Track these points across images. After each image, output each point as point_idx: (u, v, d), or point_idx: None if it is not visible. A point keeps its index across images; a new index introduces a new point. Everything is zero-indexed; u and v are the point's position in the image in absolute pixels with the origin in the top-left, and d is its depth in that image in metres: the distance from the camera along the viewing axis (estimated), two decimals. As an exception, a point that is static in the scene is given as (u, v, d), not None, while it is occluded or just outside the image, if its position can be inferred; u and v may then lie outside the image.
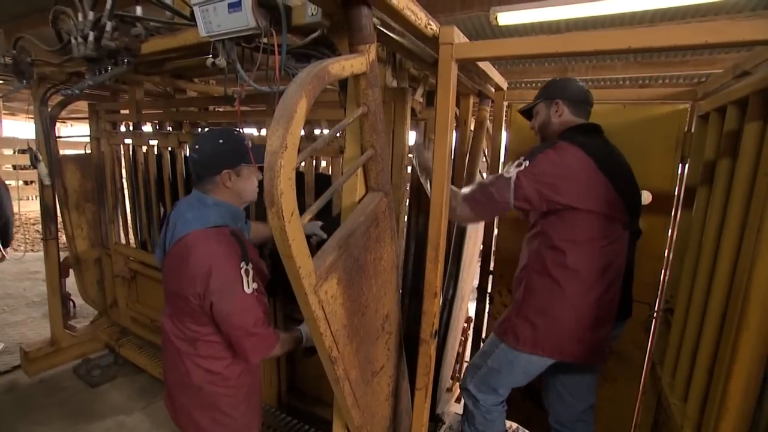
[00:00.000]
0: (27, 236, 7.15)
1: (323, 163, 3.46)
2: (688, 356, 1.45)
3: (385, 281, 1.32)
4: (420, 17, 1.18)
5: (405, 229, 1.86)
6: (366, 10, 1.05)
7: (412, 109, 1.62)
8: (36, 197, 7.35)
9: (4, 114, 10.84)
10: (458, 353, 2.68)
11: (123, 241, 3.04)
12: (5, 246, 2.93)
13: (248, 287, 1.22)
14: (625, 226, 1.46)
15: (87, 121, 2.96)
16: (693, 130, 1.74)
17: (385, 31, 1.23)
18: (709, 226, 1.40)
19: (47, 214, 2.77)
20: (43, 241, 2.85)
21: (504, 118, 2.21)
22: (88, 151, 2.97)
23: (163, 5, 1.52)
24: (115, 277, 3.03)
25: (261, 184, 1.11)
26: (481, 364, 1.65)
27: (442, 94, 1.24)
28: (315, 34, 1.19)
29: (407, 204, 1.96)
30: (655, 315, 1.87)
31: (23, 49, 2.15)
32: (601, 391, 1.98)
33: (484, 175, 2.37)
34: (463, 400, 1.84)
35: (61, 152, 2.88)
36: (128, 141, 2.76)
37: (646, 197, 1.87)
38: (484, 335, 2.39)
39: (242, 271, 1.21)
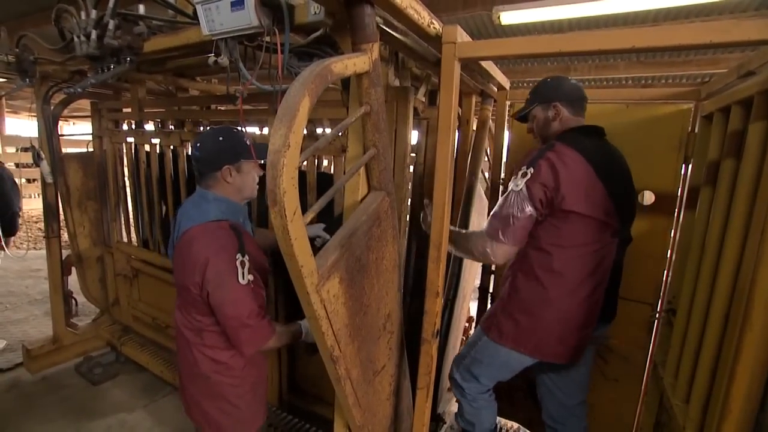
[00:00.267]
0: (29, 234, 7.17)
1: (325, 162, 3.46)
2: (690, 357, 1.45)
3: (387, 280, 1.32)
4: (423, 16, 1.17)
5: (407, 229, 1.86)
6: (369, 8, 1.05)
7: (415, 109, 1.62)
8: (38, 195, 7.39)
9: (7, 112, 10.89)
10: (459, 353, 2.67)
11: (125, 239, 3.05)
12: (10, 235, 2.93)
13: (243, 278, 1.23)
14: (614, 234, 1.46)
15: (89, 119, 2.97)
16: (696, 130, 1.74)
17: (387, 29, 1.23)
18: (713, 226, 1.39)
19: (50, 212, 2.78)
20: (45, 239, 2.87)
21: (506, 117, 2.21)
22: (91, 150, 2.98)
23: (165, 4, 1.52)
24: (117, 275, 3.04)
25: (262, 182, 1.11)
26: (466, 354, 1.69)
27: (444, 94, 1.24)
28: (318, 33, 1.19)
29: (409, 203, 1.95)
30: (657, 316, 1.86)
31: (26, 48, 2.16)
32: (602, 392, 1.98)
33: (486, 175, 2.36)
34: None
35: (64, 150, 2.88)
36: (130, 139, 2.76)
37: (649, 198, 1.87)
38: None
39: (237, 263, 1.23)
